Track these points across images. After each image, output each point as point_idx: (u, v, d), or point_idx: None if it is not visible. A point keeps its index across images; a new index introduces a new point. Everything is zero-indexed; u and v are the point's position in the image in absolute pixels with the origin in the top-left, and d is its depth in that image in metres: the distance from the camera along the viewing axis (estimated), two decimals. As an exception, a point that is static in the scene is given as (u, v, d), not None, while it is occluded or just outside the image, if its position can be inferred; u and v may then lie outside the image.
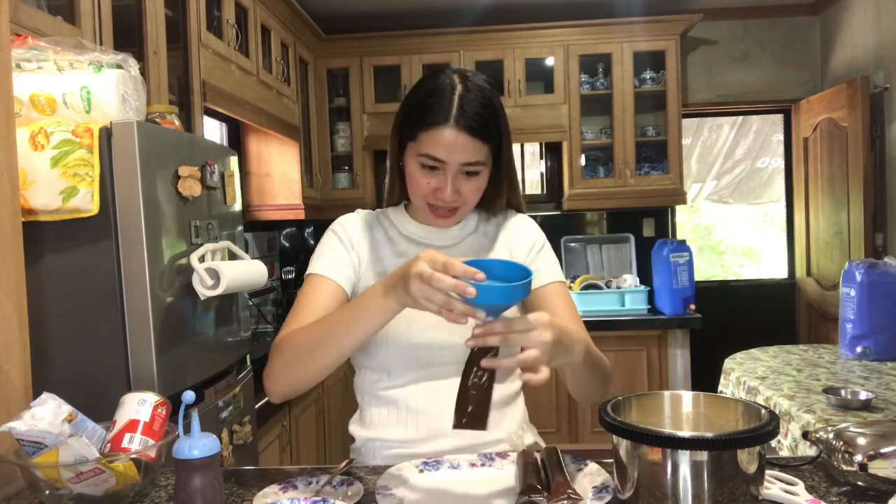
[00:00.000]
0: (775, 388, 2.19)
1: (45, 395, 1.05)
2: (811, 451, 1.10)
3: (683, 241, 4.07)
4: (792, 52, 4.46)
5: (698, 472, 0.84)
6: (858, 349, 2.48)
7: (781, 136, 4.70)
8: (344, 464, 1.11)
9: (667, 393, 1.04)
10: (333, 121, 4.26)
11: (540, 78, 4.32)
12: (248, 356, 2.12)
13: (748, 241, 5.25)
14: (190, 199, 1.68)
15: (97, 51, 1.55)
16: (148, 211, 1.50)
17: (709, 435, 0.84)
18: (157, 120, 1.72)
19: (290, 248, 4.39)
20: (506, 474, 1.08)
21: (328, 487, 1.05)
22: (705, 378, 3.58)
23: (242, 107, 2.88)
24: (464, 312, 0.90)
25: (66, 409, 1.04)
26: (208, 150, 1.84)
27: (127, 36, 2.00)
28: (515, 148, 4.64)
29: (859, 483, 0.99)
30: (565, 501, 0.92)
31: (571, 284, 4.09)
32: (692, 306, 3.91)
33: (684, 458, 0.84)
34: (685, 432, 0.89)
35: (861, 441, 1.00)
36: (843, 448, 1.00)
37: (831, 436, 1.05)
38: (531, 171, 4.67)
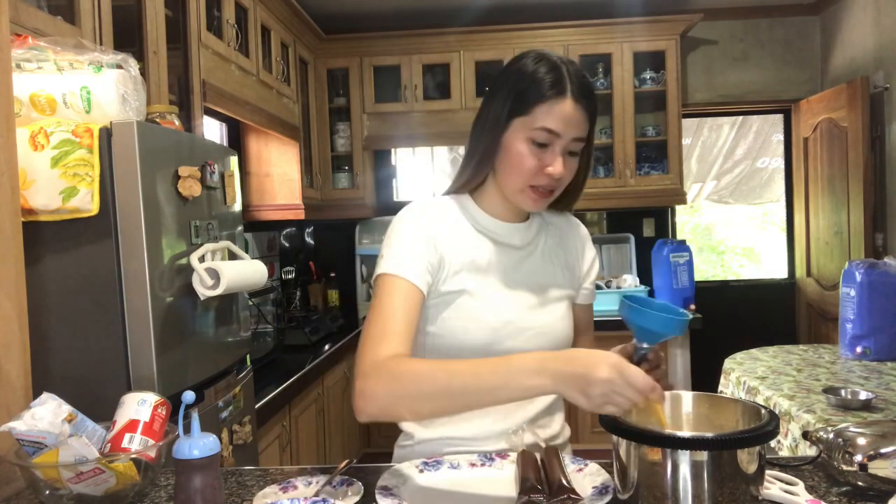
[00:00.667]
0: (775, 388, 2.19)
1: (45, 395, 1.05)
2: (811, 451, 1.10)
3: (683, 241, 4.07)
4: (792, 52, 4.46)
5: (698, 472, 0.84)
6: (858, 349, 2.48)
7: (781, 136, 4.70)
8: (344, 464, 1.11)
9: (667, 393, 1.04)
10: (333, 121, 4.26)
11: (540, 78, 4.31)
12: (248, 356, 2.12)
13: (748, 241, 5.25)
14: (190, 199, 1.68)
15: (97, 51, 1.55)
16: (148, 211, 1.50)
17: (709, 435, 0.84)
18: (157, 120, 1.71)
19: (290, 248, 4.39)
20: (506, 474, 1.08)
21: (328, 487, 1.05)
22: (705, 378, 3.58)
23: (242, 107, 2.88)
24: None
25: (66, 409, 1.04)
26: (208, 150, 1.84)
27: (127, 36, 2.00)
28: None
29: (859, 483, 0.99)
30: (565, 501, 0.92)
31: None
32: (692, 306, 3.91)
33: (684, 458, 0.84)
34: (685, 432, 0.89)
35: (861, 441, 1.00)
36: (843, 448, 1.00)
37: (831, 436, 1.05)
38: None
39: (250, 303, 2.89)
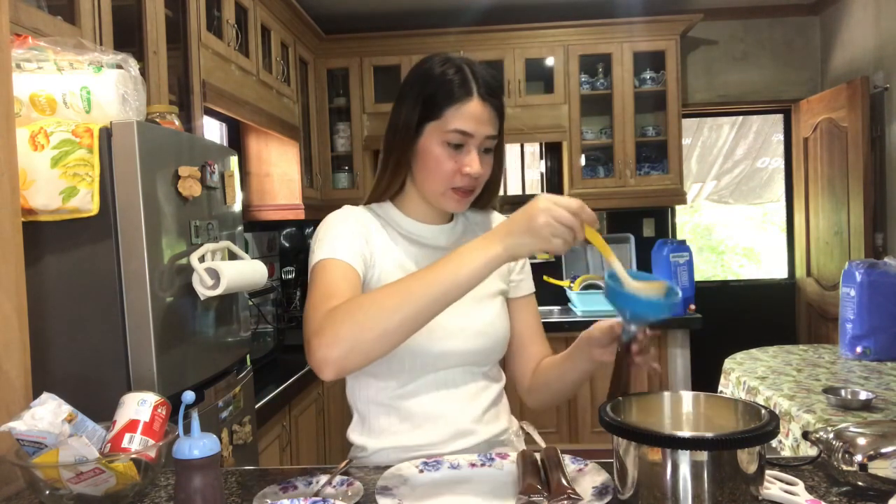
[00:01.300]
0: (775, 388, 2.19)
1: (45, 395, 1.05)
2: (812, 451, 1.10)
3: (683, 242, 4.07)
4: (792, 52, 4.46)
5: (698, 472, 0.84)
6: (858, 349, 2.48)
7: (781, 136, 4.70)
8: (344, 464, 1.11)
9: (667, 393, 1.04)
10: (333, 121, 4.26)
11: (540, 78, 4.32)
12: (248, 356, 2.12)
13: (748, 241, 5.25)
14: (190, 199, 1.68)
15: (97, 51, 1.55)
16: (148, 211, 1.50)
17: (709, 435, 0.84)
18: (157, 120, 1.71)
19: (290, 248, 4.39)
20: (506, 474, 1.08)
21: (328, 487, 1.05)
22: (705, 378, 3.58)
23: (242, 107, 2.88)
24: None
25: (66, 409, 1.04)
26: (208, 150, 1.84)
27: (127, 36, 2.00)
28: (515, 148, 4.66)
29: (859, 483, 0.99)
30: (565, 501, 0.92)
31: (571, 284, 4.09)
32: (692, 306, 3.91)
33: (684, 458, 0.84)
34: (685, 432, 0.89)
35: (861, 441, 1.00)
36: (843, 448, 1.00)
37: (831, 436, 1.05)
38: (531, 171, 4.67)
39: (250, 303, 2.89)
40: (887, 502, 0.90)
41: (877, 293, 2.43)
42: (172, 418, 1.11)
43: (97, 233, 1.47)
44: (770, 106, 4.58)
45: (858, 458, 0.98)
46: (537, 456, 1.07)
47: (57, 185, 1.39)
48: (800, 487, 0.97)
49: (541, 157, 4.62)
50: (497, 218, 1.35)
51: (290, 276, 4.04)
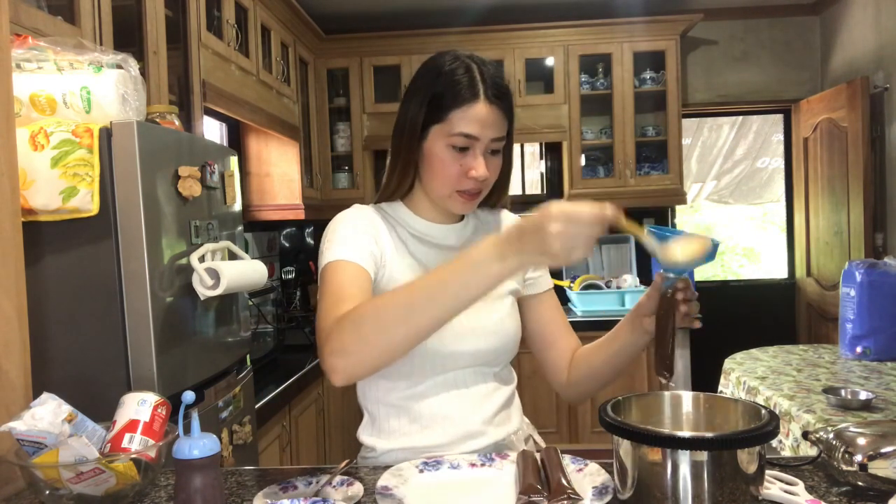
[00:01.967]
0: (775, 388, 2.19)
1: (45, 395, 1.05)
2: (812, 451, 1.10)
3: (683, 242, 4.06)
4: (792, 52, 4.46)
5: (698, 472, 0.84)
6: (858, 349, 2.48)
7: (781, 136, 4.71)
8: (344, 464, 1.11)
9: (667, 393, 1.04)
10: (333, 121, 4.26)
11: (540, 78, 4.32)
12: (248, 356, 2.12)
13: (748, 241, 5.25)
14: (190, 199, 1.68)
15: (97, 51, 1.55)
16: (148, 211, 1.50)
17: (709, 435, 0.84)
18: (157, 120, 1.71)
19: (290, 248, 4.40)
20: (506, 474, 1.08)
21: (328, 487, 1.05)
22: (705, 378, 3.58)
23: (242, 107, 2.88)
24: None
25: (66, 409, 1.04)
26: (208, 150, 1.84)
27: (127, 36, 2.00)
28: (515, 148, 4.66)
29: (859, 483, 0.99)
30: (565, 501, 0.92)
31: (571, 284, 4.09)
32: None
33: (684, 458, 0.84)
34: (685, 432, 0.89)
35: (861, 441, 1.00)
36: (843, 448, 1.00)
37: (831, 436, 1.05)
38: (531, 171, 4.67)
39: (250, 303, 2.89)
40: (887, 502, 0.90)
41: (877, 293, 2.43)
42: (172, 418, 1.11)
43: (97, 233, 1.47)
44: (770, 106, 4.58)
45: (858, 458, 0.98)
46: (537, 456, 1.07)
47: (57, 185, 1.39)
48: (800, 487, 0.97)
49: (541, 157, 4.62)
50: (508, 217, 1.34)
51: (290, 276, 4.04)
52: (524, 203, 4.48)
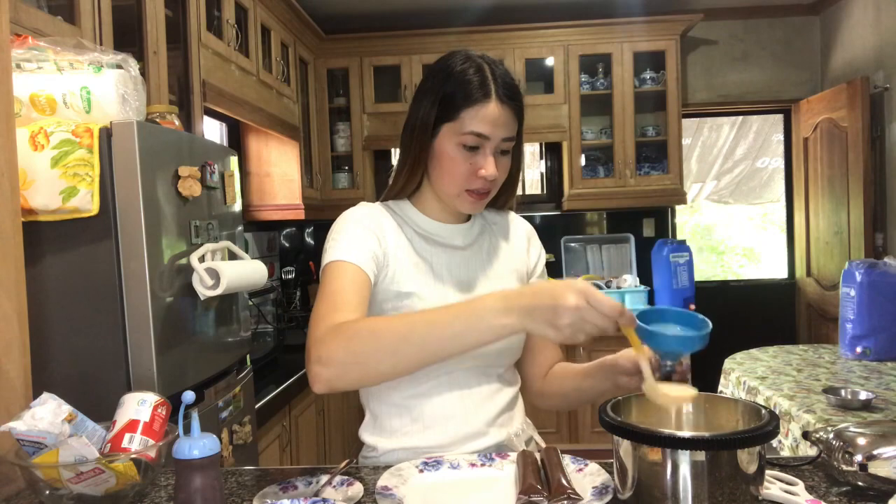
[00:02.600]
0: (775, 388, 2.19)
1: (45, 395, 1.05)
2: (812, 451, 1.10)
3: (683, 241, 4.07)
4: (792, 52, 4.46)
5: (698, 472, 0.84)
6: (858, 349, 2.48)
7: (781, 136, 4.70)
8: (344, 464, 1.11)
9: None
10: (333, 121, 4.26)
11: (540, 78, 4.32)
12: (248, 356, 2.12)
13: (748, 241, 5.25)
14: (190, 199, 1.68)
15: (97, 51, 1.55)
16: (148, 211, 1.50)
17: (709, 435, 0.84)
18: (157, 120, 1.71)
19: (290, 248, 4.40)
20: (506, 474, 1.08)
21: (328, 487, 1.05)
22: (705, 378, 3.57)
23: (242, 107, 2.88)
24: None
25: (66, 409, 1.04)
26: (208, 150, 1.84)
27: (127, 36, 2.00)
28: (515, 148, 4.66)
29: (859, 483, 0.99)
30: (565, 501, 0.92)
31: (571, 284, 4.08)
32: (692, 306, 3.91)
33: (684, 458, 0.84)
34: (685, 432, 0.89)
35: (861, 441, 1.00)
36: (842, 448, 1.00)
37: (831, 436, 1.05)
38: (531, 172, 4.67)
39: (250, 303, 2.89)
40: (887, 502, 0.90)
41: (877, 293, 2.43)
42: (172, 418, 1.11)
43: (97, 233, 1.47)
44: (770, 106, 4.58)
45: (858, 458, 0.98)
46: (537, 456, 1.07)
47: (57, 185, 1.39)
48: (800, 487, 0.97)
49: (541, 157, 4.62)
50: (514, 219, 1.34)
51: (290, 276, 4.04)
52: (524, 203, 4.48)
